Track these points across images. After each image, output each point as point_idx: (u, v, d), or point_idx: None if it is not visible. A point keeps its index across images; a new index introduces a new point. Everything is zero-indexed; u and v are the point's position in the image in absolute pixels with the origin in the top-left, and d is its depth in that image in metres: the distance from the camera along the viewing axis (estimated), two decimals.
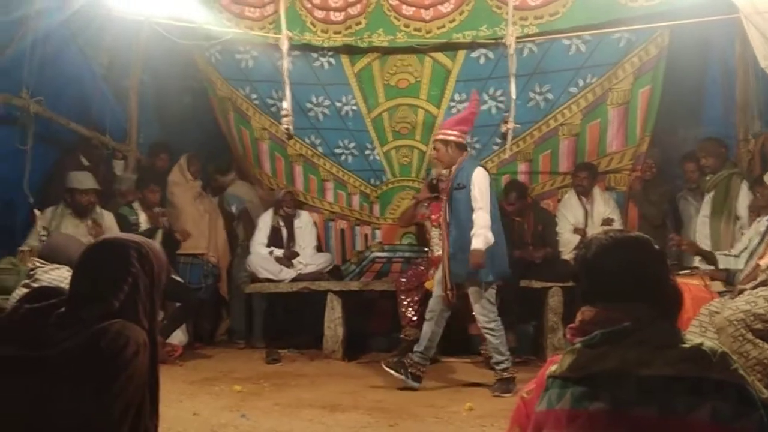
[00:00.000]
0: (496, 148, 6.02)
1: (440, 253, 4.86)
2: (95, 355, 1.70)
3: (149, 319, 1.88)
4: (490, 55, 5.72)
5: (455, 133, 4.64)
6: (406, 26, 5.65)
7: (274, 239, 6.16)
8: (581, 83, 5.78)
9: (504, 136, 5.01)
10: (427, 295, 5.07)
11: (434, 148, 4.84)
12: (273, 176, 6.54)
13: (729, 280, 4.44)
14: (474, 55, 5.76)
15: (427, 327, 4.71)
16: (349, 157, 6.33)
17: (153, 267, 1.91)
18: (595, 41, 5.61)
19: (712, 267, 4.66)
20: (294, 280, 6.00)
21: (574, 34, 5.53)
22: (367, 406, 4.13)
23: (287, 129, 4.93)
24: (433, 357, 5.04)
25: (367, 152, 6.27)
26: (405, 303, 5.53)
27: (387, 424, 3.73)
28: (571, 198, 6.00)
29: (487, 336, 4.61)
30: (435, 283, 4.77)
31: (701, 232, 5.28)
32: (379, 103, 6.05)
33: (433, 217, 5.42)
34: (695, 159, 5.59)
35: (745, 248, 4.29)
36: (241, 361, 5.61)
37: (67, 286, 1.91)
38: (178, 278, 5.66)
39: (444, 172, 4.78)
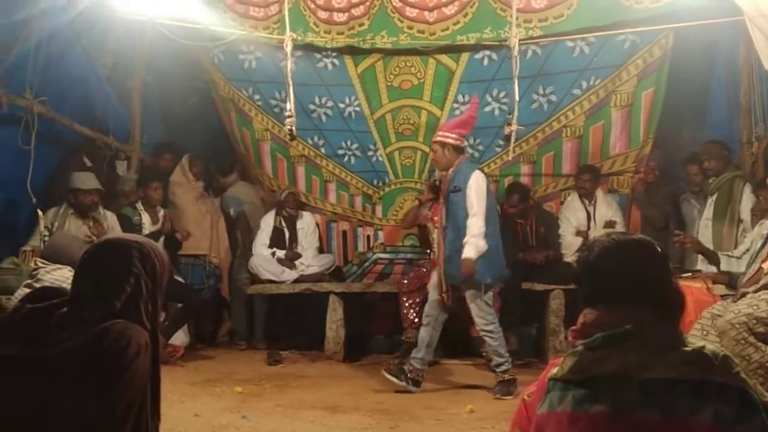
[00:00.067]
0: (499, 149, 6.02)
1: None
2: (97, 355, 1.70)
3: (151, 319, 1.88)
4: (494, 56, 5.73)
5: (453, 135, 4.64)
6: (410, 28, 5.66)
7: (277, 240, 6.16)
8: (585, 85, 5.78)
9: (507, 138, 5.00)
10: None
11: (432, 150, 4.84)
12: (275, 177, 6.55)
13: (731, 283, 4.42)
14: (477, 56, 5.77)
15: (424, 332, 4.70)
16: (352, 158, 6.34)
17: (155, 267, 1.92)
18: (599, 43, 5.60)
19: (715, 268, 4.65)
20: (296, 281, 6.00)
21: (578, 36, 5.53)
22: (368, 407, 4.13)
23: (290, 130, 4.93)
24: (434, 359, 5.04)
25: (370, 153, 6.28)
26: (407, 305, 5.53)
27: (388, 425, 3.73)
28: (573, 200, 5.99)
29: (486, 338, 4.61)
30: (431, 286, 4.76)
31: (704, 235, 5.27)
32: (383, 105, 6.06)
33: (435, 218, 5.40)
34: (698, 162, 5.58)
35: (747, 250, 4.27)
36: (242, 362, 5.62)
37: (69, 287, 1.92)
38: (180, 279, 5.67)
39: (443, 174, 4.78)
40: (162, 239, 5.56)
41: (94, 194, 5.23)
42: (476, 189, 4.49)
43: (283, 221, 6.21)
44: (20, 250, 4.77)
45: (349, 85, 6.01)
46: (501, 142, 5.88)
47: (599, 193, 5.94)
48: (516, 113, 4.92)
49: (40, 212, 4.96)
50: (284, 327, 6.41)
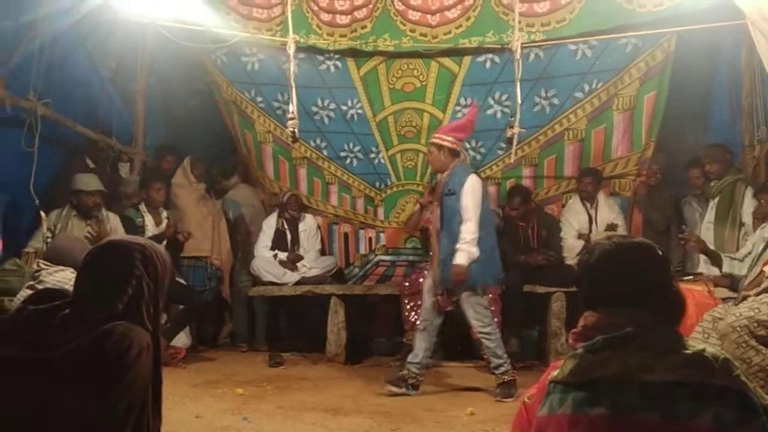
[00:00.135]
0: (501, 152, 6.02)
1: None
2: (99, 356, 1.71)
3: (153, 321, 1.89)
4: (496, 59, 5.73)
5: (450, 138, 4.63)
6: (412, 31, 5.66)
7: (278, 242, 6.16)
8: (587, 88, 5.78)
9: (509, 141, 5.00)
10: None
11: (428, 151, 4.85)
12: (276, 179, 6.55)
13: (733, 286, 4.42)
14: (480, 59, 5.78)
15: (420, 337, 4.70)
16: (354, 161, 6.34)
17: (157, 269, 1.92)
18: (601, 46, 5.61)
19: (716, 271, 4.64)
20: (297, 283, 6.00)
21: (580, 39, 5.53)
22: (369, 409, 4.13)
23: (292, 132, 4.94)
24: (435, 362, 5.04)
25: (372, 156, 6.29)
26: (408, 307, 5.53)
27: (389, 428, 3.73)
28: (575, 203, 5.99)
29: (483, 340, 4.60)
30: (425, 290, 4.76)
31: (705, 238, 5.25)
32: (385, 107, 6.06)
33: None
34: (700, 165, 5.59)
35: (749, 253, 4.27)
36: (243, 364, 5.62)
37: (71, 288, 1.92)
38: (181, 281, 5.68)
39: (439, 176, 4.78)
40: (164, 241, 5.56)
41: (97, 196, 5.24)
42: (471, 193, 4.48)
43: (285, 223, 6.21)
44: (22, 252, 4.78)
45: (352, 87, 6.01)
46: (503, 145, 5.87)
47: (601, 196, 5.94)
48: (518, 116, 4.92)
49: (42, 214, 4.97)
50: (286, 329, 6.41)
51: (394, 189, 6.37)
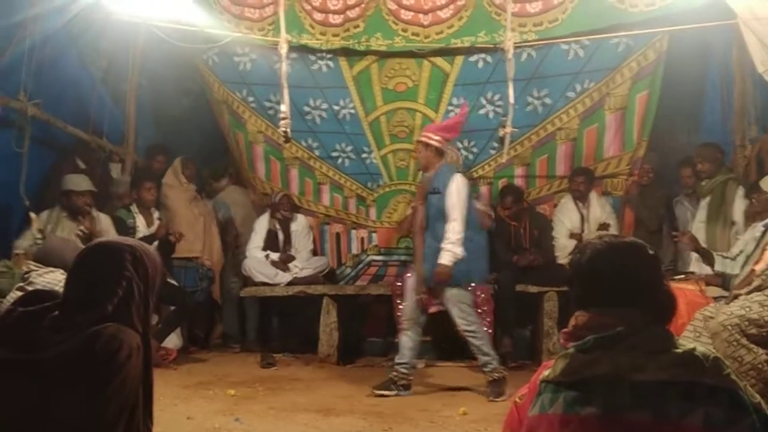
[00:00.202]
0: (493, 152, 6.03)
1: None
2: (89, 358, 1.70)
3: (143, 322, 1.88)
4: (489, 59, 5.74)
5: (437, 138, 4.64)
6: (404, 31, 5.66)
7: (270, 243, 6.15)
8: (579, 88, 5.80)
9: (501, 141, 5.01)
10: None
11: (415, 148, 4.84)
12: (267, 180, 6.52)
13: (724, 285, 4.44)
14: (472, 59, 5.78)
15: (405, 337, 4.69)
16: (346, 161, 6.33)
17: (147, 270, 1.91)
18: (593, 46, 5.62)
19: (708, 269, 4.66)
20: (289, 283, 5.98)
21: (572, 39, 5.55)
22: (362, 410, 4.13)
23: (284, 132, 4.93)
24: (428, 362, 5.03)
25: (364, 156, 6.28)
26: (401, 307, 5.51)
27: (382, 428, 3.73)
28: (567, 203, 6.00)
29: (469, 339, 4.59)
30: (408, 289, 4.75)
31: (697, 237, 5.28)
32: (377, 107, 6.06)
33: None
34: (692, 164, 5.61)
35: (741, 251, 4.29)
36: (235, 365, 5.60)
37: (61, 290, 1.91)
38: (172, 282, 5.65)
39: (425, 175, 4.78)
40: (155, 242, 5.54)
41: (87, 196, 5.22)
42: (457, 193, 4.48)
43: (277, 224, 6.19)
44: (12, 253, 4.75)
45: (344, 87, 6.01)
46: (495, 145, 5.87)
47: (593, 196, 5.95)
48: (510, 116, 4.93)
49: (32, 215, 4.94)
50: (278, 330, 6.39)
51: (386, 189, 6.37)
